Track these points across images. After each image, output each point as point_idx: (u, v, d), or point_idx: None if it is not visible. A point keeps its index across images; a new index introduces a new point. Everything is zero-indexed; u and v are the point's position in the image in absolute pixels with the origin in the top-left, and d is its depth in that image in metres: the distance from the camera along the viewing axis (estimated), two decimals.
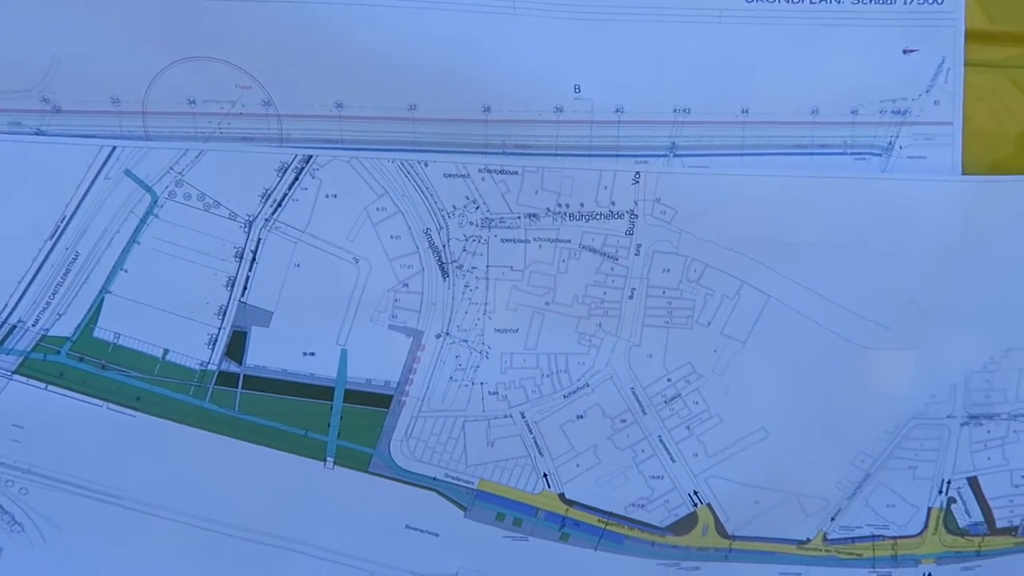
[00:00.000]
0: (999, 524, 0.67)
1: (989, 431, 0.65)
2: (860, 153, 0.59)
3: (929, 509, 0.66)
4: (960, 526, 0.66)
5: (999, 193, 0.59)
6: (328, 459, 0.60)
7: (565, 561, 0.64)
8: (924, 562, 0.67)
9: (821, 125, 0.58)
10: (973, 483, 0.66)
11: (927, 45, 0.58)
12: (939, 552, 0.67)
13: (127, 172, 0.56)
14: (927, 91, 0.58)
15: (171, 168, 0.56)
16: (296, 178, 0.56)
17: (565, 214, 0.57)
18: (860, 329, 0.61)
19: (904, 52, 0.58)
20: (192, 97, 0.55)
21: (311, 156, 0.56)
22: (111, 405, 0.59)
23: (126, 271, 0.57)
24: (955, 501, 0.66)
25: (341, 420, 0.60)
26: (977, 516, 0.66)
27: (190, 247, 0.57)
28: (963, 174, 0.59)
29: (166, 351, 0.59)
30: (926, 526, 0.66)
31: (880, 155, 0.59)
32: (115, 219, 0.57)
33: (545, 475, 0.62)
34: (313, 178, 0.56)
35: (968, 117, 0.59)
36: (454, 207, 0.57)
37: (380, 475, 0.61)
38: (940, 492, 0.66)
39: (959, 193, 0.59)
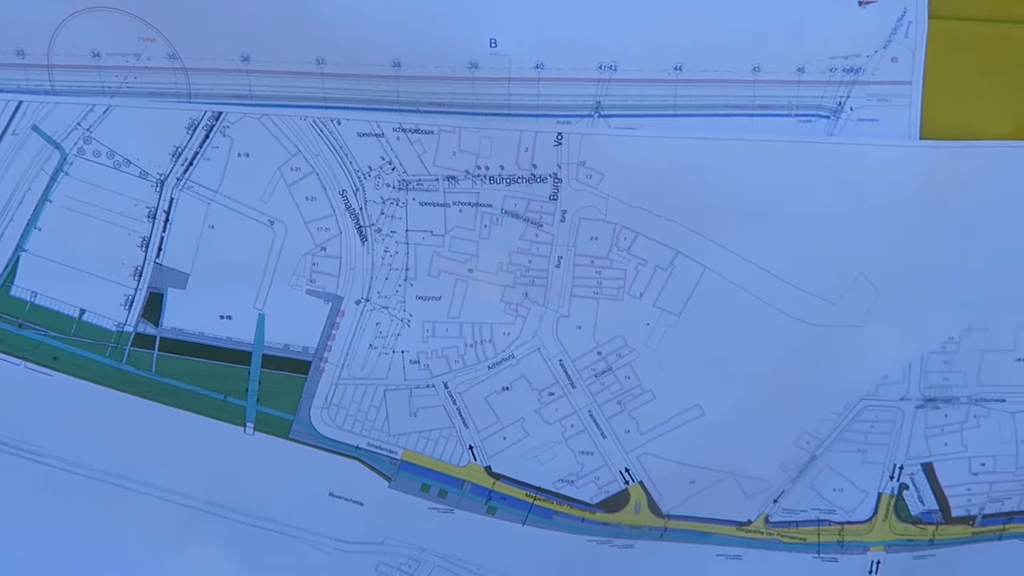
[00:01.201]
0: (955, 513, 0.63)
1: (947, 415, 0.61)
2: (805, 115, 0.54)
3: (879, 495, 0.63)
4: (912, 514, 0.63)
5: (962, 160, 0.55)
6: (248, 425, 0.59)
7: (492, 535, 0.62)
8: (873, 549, 0.64)
9: (763, 84, 0.53)
10: (928, 469, 0.62)
11: None
12: (889, 540, 0.64)
13: (34, 127, 0.54)
14: (884, 47, 0.53)
15: (79, 124, 0.54)
16: (207, 136, 0.54)
17: (485, 177, 0.54)
18: (804, 305, 0.57)
19: (860, 3, 0.53)
20: (96, 50, 0.53)
21: (221, 113, 0.54)
22: (28, 364, 0.58)
23: (39, 229, 0.56)
24: (907, 487, 0.62)
25: (260, 386, 0.58)
26: (931, 504, 0.63)
27: (102, 206, 0.56)
28: (921, 138, 0.55)
29: (82, 311, 0.57)
30: (875, 512, 0.63)
31: (828, 117, 0.54)
32: (26, 176, 0.55)
33: (471, 447, 0.60)
34: (224, 136, 0.54)
35: (929, 76, 0.54)
36: (370, 168, 0.54)
37: (301, 442, 0.59)
38: (891, 477, 0.62)
39: (916, 159, 0.54)
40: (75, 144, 0.55)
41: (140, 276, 0.57)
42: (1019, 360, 0.59)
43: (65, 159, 0.55)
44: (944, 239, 0.56)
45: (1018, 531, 0.64)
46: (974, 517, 0.63)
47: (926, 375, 0.60)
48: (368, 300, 0.57)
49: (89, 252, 0.56)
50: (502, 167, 0.54)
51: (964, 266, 0.57)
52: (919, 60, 0.54)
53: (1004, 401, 0.60)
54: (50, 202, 0.56)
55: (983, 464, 0.62)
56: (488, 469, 0.60)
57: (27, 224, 0.56)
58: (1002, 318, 0.59)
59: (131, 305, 0.57)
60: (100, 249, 0.56)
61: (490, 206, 0.55)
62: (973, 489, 0.62)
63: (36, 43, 0.53)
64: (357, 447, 0.60)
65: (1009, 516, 0.64)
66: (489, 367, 0.58)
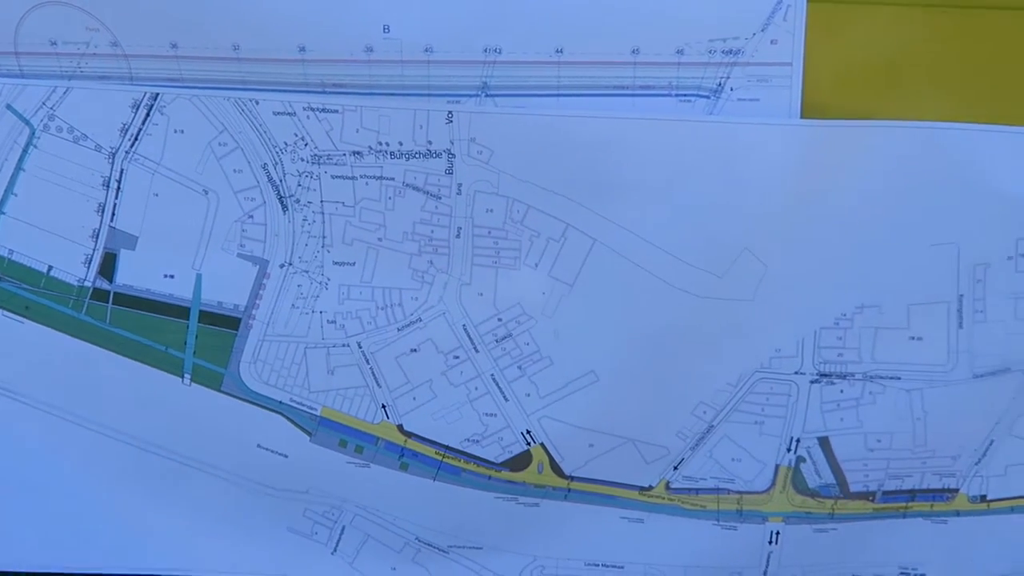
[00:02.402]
0: (853, 488, 0.64)
1: (842, 391, 0.62)
2: (686, 95, 0.57)
3: (777, 466, 0.64)
4: (810, 486, 0.65)
5: (842, 139, 0.56)
6: (185, 376, 0.66)
7: (405, 489, 0.67)
8: (772, 520, 0.66)
9: (643, 65, 0.57)
10: (824, 443, 0.64)
11: None
12: (788, 511, 0.65)
13: (8, 107, 0.62)
14: (763, 30, 0.56)
15: (44, 103, 0.62)
16: (148, 114, 0.61)
17: (386, 152, 0.59)
18: (690, 278, 0.60)
19: None
20: (53, 39, 0.60)
21: (158, 93, 0.60)
22: (4, 312, 0.66)
23: (16, 195, 0.64)
24: (804, 460, 0.64)
25: (196, 339, 0.65)
26: (828, 478, 0.64)
27: (66, 175, 0.63)
28: (802, 118, 0.57)
29: (50, 267, 0.65)
30: (773, 483, 0.65)
31: (708, 97, 0.57)
32: (2, 148, 0.63)
33: (383, 406, 0.65)
34: (162, 114, 0.61)
35: (810, 57, 0.56)
36: (285, 143, 0.60)
37: (232, 395, 0.66)
38: (788, 450, 0.64)
39: (797, 138, 0.57)
40: (42, 121, 0.62)
41: (97, 238, 0.64)
42: (912, 339, 0.60)
43: (34, 134, 0.63)
44: (829, 216, 0.58)
45: (921, 509, 0.65)
46: (873, 493, 0.64)
47: (820, 350, 0.61)
48: (291, 264, 0.63)
49: (56, 216, 0.64)
50: (400, 143, 0.59)
51: (852, 243, 0.59)
52: (799, 42, 0.56)
53: (899, 379, 0.61)
54: (24, 171, 0.63)
55: (879, 440, 0.63)
56: (400, 427, 0.65)
57: (5, 191, 0.64)
58: (894, 296, 0.60)
59: (90, 263, 0.65)
60: (64, 213, 0.64)
61: (393, 179, 0.60)
62: (870, 465, 0.63)
63: (5, 33, 0.61)
64: (281, 402, 0.65)
65: (911, 494, 0.65)
66: (398, 329, 0.63)
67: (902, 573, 0.67)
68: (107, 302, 0.65)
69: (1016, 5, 0.56)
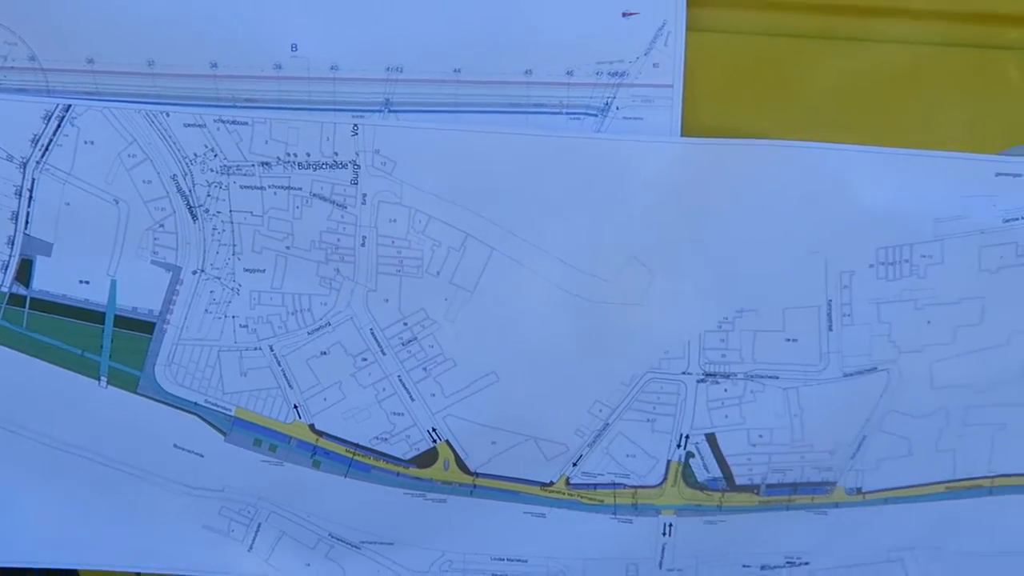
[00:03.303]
0: (738, 481, 0.69)
1: (726, 390, 0.67)
2: (575, 113, 0.61)
3: (668, 462, 0.69)
4: (699, 480, 0.69)
5: (719, 156, 0.61)
6: (102, 378, 0.68)
7: (318, 486, 0.69)
8: (664, 512, 0.70)
9: (536, 85, 0.60)
10: (711, 439, 0.68)
11: (647, 8, 0.59)
12: (679, 504, 0.69)
13: None
14: (646, 54, 0.60)
15: None
16: (59, 125, 0.63)
17: (294, 163, 0.62)
18: (582, 283, 0.63)
19: (623, 15, 0.60)
20: None
21: (70, 105, 0.62)
22: None
23: None
24: (693, 456, 0.68)
25: (112, 343, 0.67)
26: (715, 472, 0.68)
27: None
28: (682, 136, 0.61)
29: None
30: (665, 478, 0.69)
31: (596, 115, 0.61)
32: None
33: (295, 406, 0.68)
34: (72, 126, 0.62)
35: (690, 80, 0.61)
36: (195, 155, 0.62)
37: (148, 396, 0.68)
38: (679, 446, 0.68)
39: (677, 155, 0.61)
40: None
41: (12, 244, 0.66)
42: (788, 340, 0.65)
43: None
44: (710, 227, 0.62)
45: (804, 502, 0.70)
46: (758, 486, 0.69)
47: (705, 352, 0.66)
48: (203, 271, 0.65)
49: None
50: (308, 154, 0.62)
51: (731, 252, 0.63)
52: (679, 66, 0.60)
53: (777, 378, 0.66)
54: None
55: (761, 436, 0.67)
56: (312, 426, 0.68)
57: None
58: (771, 301, 0.64)
59: (6, 269, 0.66)
60: None
61: (300, 189, 0.63)
62: (753, 459, 0.68)
63: None
64: (196, 403, 0.68)
65: (794, 487, 0.69)
66: (308, 333, 0.66)
67: (788, 562, 0.72)
68: (24, 307, 0.67)
69: (879, 38, 0.61)
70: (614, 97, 0.61)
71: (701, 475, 0.69)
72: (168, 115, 0.62)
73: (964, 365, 0.65)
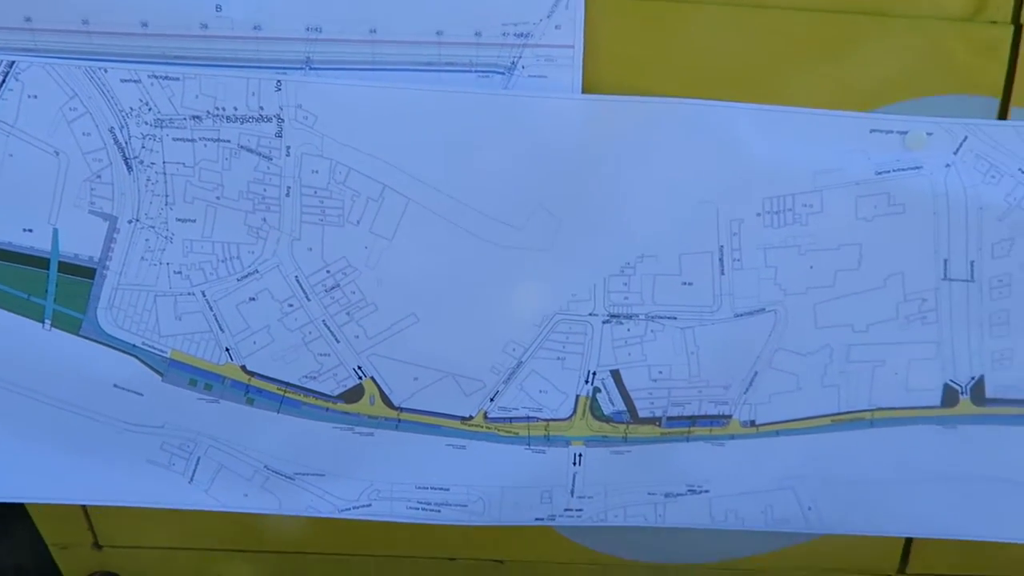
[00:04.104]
0: (641, 414, 0.75)
1: (629, 329, 0.72)
2: (484, 71, 0.66)
3: (577, 396, 0.74)
4: (605, 413, 0.75)
5: (617, 112, 0.66)
6: (46, 321, 0.72)
7: (252, 422, 0.74)
8: (574, 443, 0.76)
9: (447, 45, 0.65)
10: (615, 375, 0.74)
11: None
12: (587, 435, 0.75)
13: None
14: (548, 16, 0.65)
15: None
16: (3, 80, 0.66)
17: (223, 116, 0.66)
18: (493, 230, 0.68)
19: None
20: None
21: (13, 61, 0.66)
22: None
23: None
24: (600, 391, 0.74)
25: (56, 288, 0.71)
26: (620, 406, 0.74)
27: None
28: (583, 93, 0.66)
29: None
30: (575, 411, 0.75)
31: (503, 74, 0.66)
32: None
33: (227, 349, 0.72)
34: (17, 80, 0.66)
35: (590, 41, 0.65)
36: (131, 108, 0.66)
37: (89, 338, 0.72)
38: (587, 382, 0.74)
39: (578, 111, 0.66)
40: None
41: None
42: (684, 284, 0.71)
43: None
44: (611, 178, 0.67)
45: (702, 433, 0.76)
46: (659, 419, 0.75)
47: (609, 295, 0.71)
48: (138, 220, 0.69)
49: None
50: (235, 108, 0.66)
51: (631, 202, 0.68)
52: (579, 27, 0.65)
53: (675, 318, 0.72)
54: None
55: (661, 372, 0.73)
56: (244, 367, 0.73)
57: None
58: (668, 248, 0.70)
59: None
60: None
61: (229, 142, 0.67)
62: (655, 394, 0.74)
63: None
64: (134, 345, 0.72)
65: (692, 420, 0.75)
66: (238, 280, 0.70)
67: (689, 489, 0.78)
68: None
69: (768, 4, 0.66)
70: (520, 57, 0.65)
71: (607, 408, 0.74)
72: (106, 71, 0.65)
73: (845, 306, 0.71)
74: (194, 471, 0.77)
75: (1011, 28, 0.66)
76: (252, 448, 0.76)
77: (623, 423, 0.75)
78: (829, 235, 0.69)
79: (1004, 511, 0.79)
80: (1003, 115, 0.68)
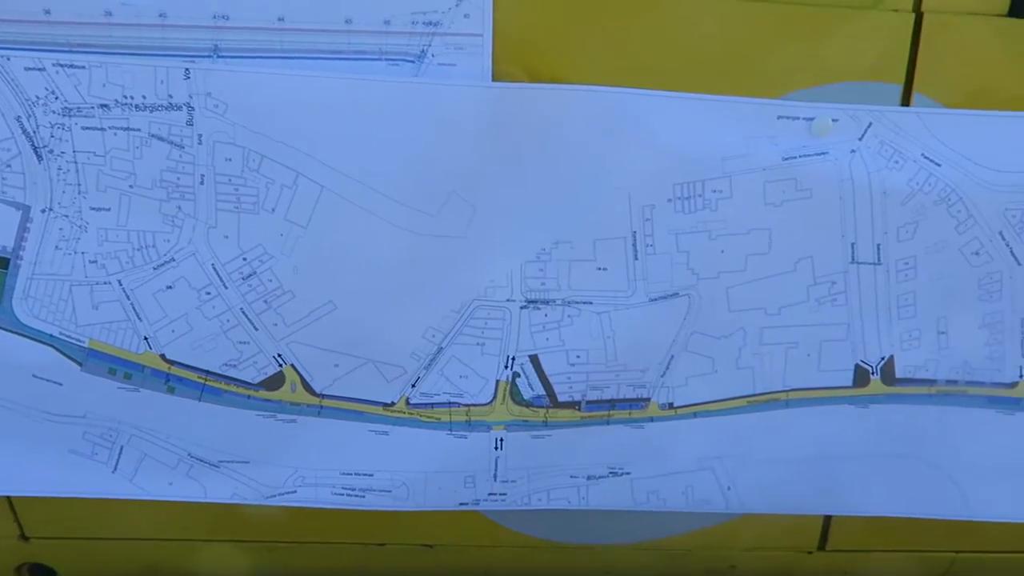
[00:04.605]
0: (560, 398, 0.76)
1: (546, 315, 0.73)
2: (394, 59, 0.66)
3: (497, 382, 0.75)
4: (525, 398, 0.76)
5: (527, 100, 0.66)
6: None
7: (174, 410, 0.74)
8: (495, 428, 0.77)
9: (356, 33, 0.65)
10: (534, 360, 0.75)
11: None
12: (508, 420, 0.76)
13: None
14: (457, 5, 0.65)
15: None
16: None
17: (132, 105, 0.66)
18: (408, 217, 0.69)
19: None
20: None
21: None
22: None
23: None
24: (519, 376, 0.75)
25: None
26: (540, 390, 0.75)
27: None
28: (493, 81, 0.66)
29: None
30: (495, 397, 0.76)
31: (413, 62, 0.66)
32: None
33: (146, 338, 0.72)
34: None
35: (500, 29, 0.66)
36: (37, 97, 0.66)
37: (6, 329, 0.72)
38: (506, 367, 0.75)
39: (488, 98, 0.66)
40: None
41: None
42: (599, 269, 0.72)
43: None
44: (524, 165, 0.68)
45: (622, 417, 0.77)
46: (579, 403, 0.76)
47: (526, 280, 0.72)
48: (51, 209, 0.69)
49: None
50: (144, 97, 0.65)
51: (544, 188, 0.69)
52: (488, 16, 0.65)
53: (591, 303, 0.73)
54: None
55: (578, 356, 0.74)
56: (163, 356, 0.73)
57: None
58: (583, 233, 0.71)
59: None
60: None
61: (139, 130, 0.66)
62: (573, 378, 0.75)
63: None
64: (51, 335, 0.72)
65: (611, 403, 0.76)
66: (154, 268, 0.70)
67: (611, 472, 0.79)
68: None
69: None
70: (429, 45, 0.66)
71: (527, 393, 0.75)
72: (9, 59, 0.65)
73: (757, 290, 0.73)
74: (118, 460, 0.77)
75: (912, 16, 0.68)
76: (175, 436, 0.76)
77: (543, 407, 0.76)
78: (739, 220, 0.71)
79: (916, 488, 0.81)
80: (906, 101, 0.70)
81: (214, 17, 0.64)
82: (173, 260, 0.70)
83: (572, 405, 0.76)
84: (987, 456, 0.80)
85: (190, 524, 0.83)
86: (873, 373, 0.77)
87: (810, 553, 0.86)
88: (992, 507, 0.82)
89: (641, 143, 0.68)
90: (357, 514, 0.80)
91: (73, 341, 0.72)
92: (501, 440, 0.77)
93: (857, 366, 0.76)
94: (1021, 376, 0.77)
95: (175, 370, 0.73)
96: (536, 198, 0.69)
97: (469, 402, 0.76)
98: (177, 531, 0.83)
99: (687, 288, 0.72)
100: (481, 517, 0.84)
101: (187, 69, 0.65)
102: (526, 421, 0.76)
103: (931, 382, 0.77)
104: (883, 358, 0.76)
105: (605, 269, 0.72)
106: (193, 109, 0.66)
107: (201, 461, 0.77)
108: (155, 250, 0.70)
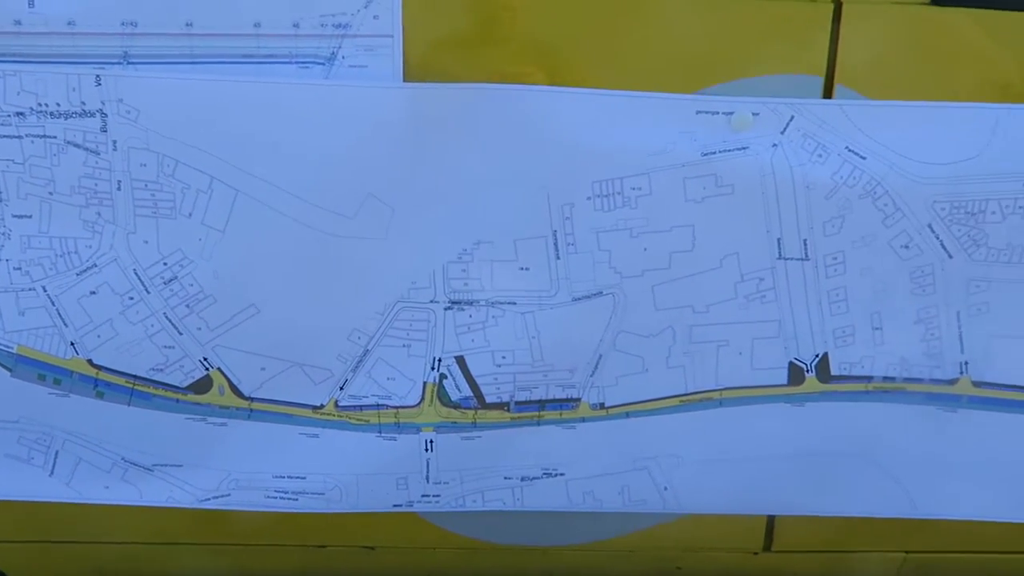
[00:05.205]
0: (488, 400, 0.75)
1: (471, 316, 0.73)
2: (304, 62, 0.66)
3: (424, 383, 0.75)
4: (452, 400, 0.75)
5: (440, 99, 0.66)
6: None
7: (105, 415, 0.75)
8: (424, 430, 0.76)
9: (265, 37, 0.65)
10: (460, 361, 0.74)
11: None
12: (437, 422, 0.76)
13: None
14: (366, 7, 0.65)
15: None
16: None
17: (46, 112, 0.66)
18: (325, 220, 0.69)
19: None
20: None
21: None
22: None
23: None
24: (446, 377, 0.75)
25: None
26: (467, 391, 0.75)
27: None
28: (405, 81, 0.66)
29: None
30: (423, 398, 0.75)
31: (323, 64, 0.66)
32: None
33: (72, 344, 0.73)
34: None
35: (410, 30, 0.66)
36: None
37: None
38: (432, 369, 0.74)
39: (400, 99, 0.66)
40: None
41: None
42: (522, 269, 0.71)
43: None
44: (440, 165, 0.68)
45: (553, 417, 0.76)
46: (507, 403, 0.75)
47: (449, 281, 0.72)
48: None
49: None
50: (58, 104, 0.66)
51: (462, 188, 0.69)
52: (397, 17, 0.65)
53: (515, 304, 0.72)
54: None
55: (504, 357, 0.74)
56: (90, 361, 0.73)
57: None
58: (503, 233, 0.70)
59: None
60: None
61: (55, 137, 0.67)
62: (500, 379, 0.74)
63: None
64: None
65: (541, 404, 0.76)
66: (77, 274, 0.71)
67: (545, 473, 0.79)
68: None
69: None
70: (339, 47, 0.66)
71: (454, 395, 0.75)
72: None
73: (683, 288, 0.72)
74: (54, 464, 0.77)
75: (831, 6, 0.67)
76: (107, 441, 0.77)
77: (471, 409, 0.75)
78: (660, 217, 0.70)
79: (858, 487, 0.79)
80: (828, 94, 0.68)
81: (123, 24, 0.64)
82: (95, 266, 0.71)
83: (501, 406, 0.75)
84: (930, 454, 0.78)
85: (133, 526, 0.83)
86: (808, 371, 0.75)
87: (756, 554, 0.85)
88: (939, 505, 0.80)
89: (557, 141, 0.67)
90: (298, 515, 0.80)
91: (2, 348, 0.73)
92: (431, 442, 0.77)
93: (791, 364, 0.75)
94: (961, 372, 0.75)
95: (103, 375, 0.74)
96: (455, 198, 0.69)
97: (397, 404, 0.76)
98: (121, 534, 0.84)
99: (611, 287, 0.72)
100: (422, 519, 0.84)
101: (98, 76, 0.65)
102: (455, 423, 0.76)
103: (868, 379, 0.75)
104: (817, 355, 0.75)
105: (527, 269, 0.71)
106: (106, 116, 0.66)
107: (135, 465, 0.78)
108: (77, 256, 0.70)
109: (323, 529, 0.83)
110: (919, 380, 0.76)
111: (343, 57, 0.66)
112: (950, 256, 0.71)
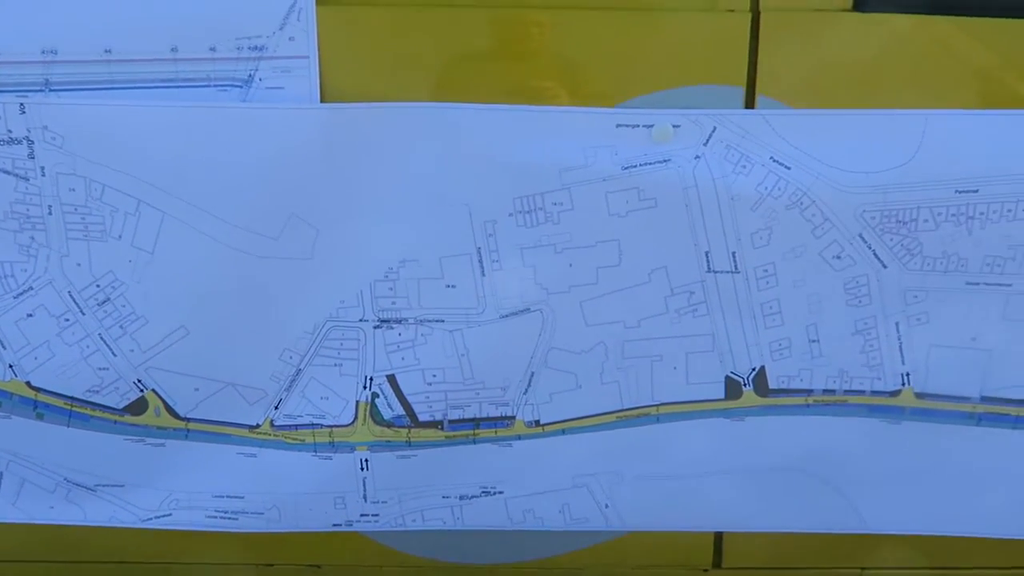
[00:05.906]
0: (421, 418, 0.75)
1: (400, 334, 0.73)
2: (222, 85, 0.66)
3: (357, 402, 0.75)
4: (385, 418, 0.75)
5: (357, 119, 0.66)
6: None
7: (45, 436, 0.76)
8: (359, 449, 0.76)
9: (183, 61, 0.66)
10: (391, 380, 0.74)
11: None
12: (371, 441, 0.76)
13: None
14: (281, 28, 0.65)
15: None
16: None
17: None
18: (249, 241, 0.69)
19: None
20: None
21: None
22: None
23: None
24: (378, 396, 0.75)
25: None
26: (399, 410, 0.75)
27: None
28: (322, 102, 0.67)
29: None
30: (356, 417, 0.75)
31: (241, 87, 0.66)
32: None
33: (11, 366, 0.74)
34: None
35: (326, 51, 0.66)
36: None
37: None
38: (364, 387, 0.74)
39: (318, 120, 0.66)
40: None
41: None
42: (448, 286, 0.71)
43: None
44: (361, 184, 0.68)
45: (488, 435, 0.76)
46: (440, 422, 0.75)
47: (376, 300, 0.72)
48: None
49: None
50: None
51: (385, 207, 0.69)
52: (312, 38, 0.66)
53: (443, 321, 0.72)
54: None
55: (435, 375, 0.73)
56: (28, 383, 0.74)
57: None
58: (428, 251, 0.70)
59: None
60: None
61: None
62: (431, 397, 0.74)
63: None
64: None
65: (475, 422, 0.75)
66: (14, 297, 0.72)
67: (483, 491, 0.78)
68: None
69: (505, 4, 0.66)
70: (256, 69, 0.66)
71: (387, 413, 0.75)
72: None
73: (612, 302, 0.71)
74: None
75: (749, 16, 0.66)
76: (49, 461, 0.78)
77: (404, 427, 0.75)
78: (584, 232, 0.69)
79: (803, 502, 0.78)
80: (750, 104, 0.68)
81: (43, 52, 0.66)
82: (31, 288, 0.72)
83: (434, 424, 0.75)
84: (875, 468, 0.76)
85: (81, 545, 0.84)
86: (745, 384, 0.74)
87: (705, 571, 0.83)
88: (888, 520, 0.79)
89: (477, 157, 0.67)
90: (245, 534, 0.80)
91: None
92: (366, 461, 0.77)
93: (728, 378, 0.74)
94: (903, 384, 0.74)
95: (42, 397, 0.75)
96: (378, 217, 0.69)
97: (332, 423, 0.76)
98: (65, 552, 0.84)
99: (538, 303, 0.71)
100: (368, 538, 0.83)
101: (21, 104, 0.66)
102: (388, 441, 0.76)
103: (807, 392, 0.74)
104: (754, 369, 0.73)
105: (453, 286, 0.71)
106: (33, 142, 0.67)
107: (78, 485, 0.78)
108: (14, 279, 0.72)
109: (270, 547, 0.83)
110: (860, 392, 0.74)
111: (260, 79, 0.66)
112: (884, 266, 0.70)
